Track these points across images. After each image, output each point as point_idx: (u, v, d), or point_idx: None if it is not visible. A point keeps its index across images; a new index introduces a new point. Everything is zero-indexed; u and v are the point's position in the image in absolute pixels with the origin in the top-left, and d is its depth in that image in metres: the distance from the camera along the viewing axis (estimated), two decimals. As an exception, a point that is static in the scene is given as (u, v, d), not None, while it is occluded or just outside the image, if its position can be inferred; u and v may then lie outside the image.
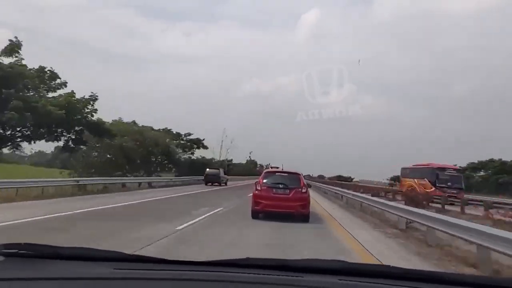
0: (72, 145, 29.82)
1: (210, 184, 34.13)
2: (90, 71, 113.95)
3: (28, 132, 27.04)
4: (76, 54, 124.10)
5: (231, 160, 75.09)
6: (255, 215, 11.53)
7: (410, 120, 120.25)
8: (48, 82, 28.24)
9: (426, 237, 8.91)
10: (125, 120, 40.82)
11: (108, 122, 33.73)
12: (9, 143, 27.61)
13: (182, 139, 51.68)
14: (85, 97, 29.43)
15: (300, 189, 11.47)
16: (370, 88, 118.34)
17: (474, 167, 56.51)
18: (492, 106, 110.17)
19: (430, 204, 20.40)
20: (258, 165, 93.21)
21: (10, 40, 25.68)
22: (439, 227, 8.01)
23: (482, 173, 56.21)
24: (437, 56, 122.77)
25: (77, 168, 26.30)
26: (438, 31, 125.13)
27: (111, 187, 21.85)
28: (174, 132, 50.76)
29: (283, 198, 11.33)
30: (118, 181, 24.56)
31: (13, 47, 25.45)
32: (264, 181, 11.84)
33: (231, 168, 70.32)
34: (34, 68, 27.25)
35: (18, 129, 26.35)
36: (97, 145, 28.39)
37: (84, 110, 29.24)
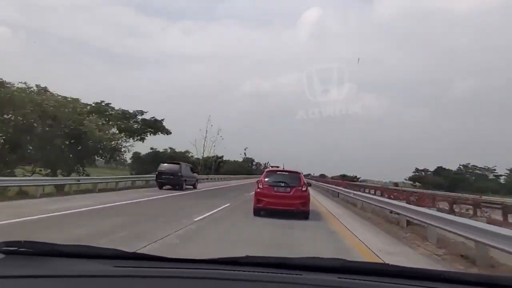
0: None
1: (170, 187, 23.14)
2: (90, 71, 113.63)
3: None
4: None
5: (222, 156, 65.84)
6: (257, 212, 11.80)
7: (415, 120, 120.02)
8: None
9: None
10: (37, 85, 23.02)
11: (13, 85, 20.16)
12: None
13: (132, 120, 36.54)
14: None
15: (300, 188, 11.80)
16: (370, 87, 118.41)
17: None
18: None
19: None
20: (255, 163, 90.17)
21: None
22: None
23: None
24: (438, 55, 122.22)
25: None
26: (438, 31, 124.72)
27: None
28: (117, 109, 34.15)
29: (284, 196, 11.61)
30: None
31: None
32: (266, 179, 12.16)
33: (221, 166, 64.65)
34: None
35: None
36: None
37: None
